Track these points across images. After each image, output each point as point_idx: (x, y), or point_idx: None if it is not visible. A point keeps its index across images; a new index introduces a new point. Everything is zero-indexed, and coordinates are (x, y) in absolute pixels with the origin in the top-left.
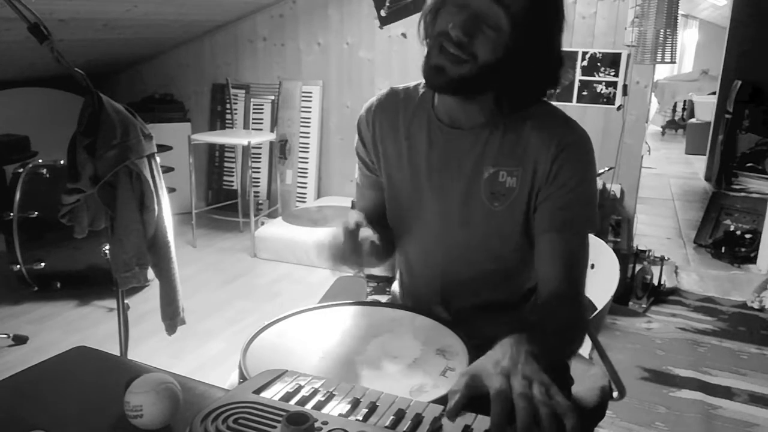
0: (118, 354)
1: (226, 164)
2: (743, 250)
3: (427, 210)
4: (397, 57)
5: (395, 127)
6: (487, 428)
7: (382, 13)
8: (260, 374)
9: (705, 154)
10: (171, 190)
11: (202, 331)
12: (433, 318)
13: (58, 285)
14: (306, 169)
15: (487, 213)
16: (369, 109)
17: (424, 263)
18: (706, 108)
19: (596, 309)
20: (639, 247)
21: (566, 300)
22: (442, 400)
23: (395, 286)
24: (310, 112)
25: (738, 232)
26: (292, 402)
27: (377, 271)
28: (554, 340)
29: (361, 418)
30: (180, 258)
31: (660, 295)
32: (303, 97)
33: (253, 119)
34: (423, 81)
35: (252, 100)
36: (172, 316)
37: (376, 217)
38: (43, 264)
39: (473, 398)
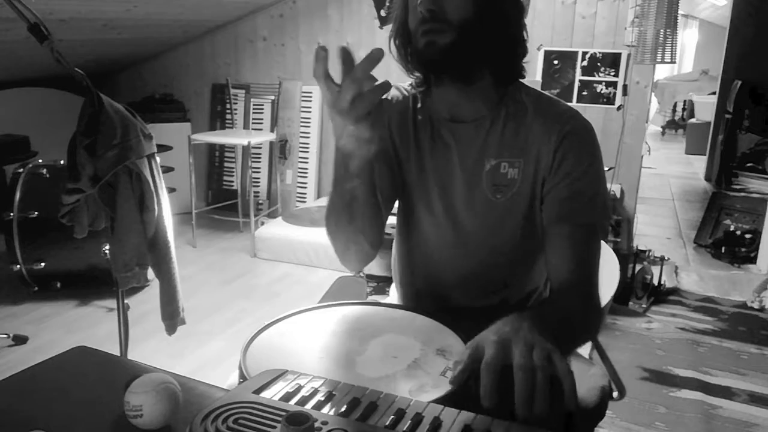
0: (118, 354)
1: (226, 164)
2: (743, 250)
3: (431, 205)
4: None
5: (403, 122)
6: (487, 427)
7: (382, 13)
8: (260, 374)
9: (705, 154)
10: (171, 190)
11: (202, 331)
12: (434, 318)
13: (58, 285)
14: (306, 169)
15: (490, 205)
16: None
17: (427, 260)
18: (706, 108)
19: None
20: (639, 247)
21: (575, 292)
22: (442, 400)
23: (393, 287)
24: (310, 112)
25: (738, 232)
26: (292, 402)
27: (377, 271)
28: (559, 326)
29: (361, 418)
30: (180, 258)
31: (660, 295)
32: (303, 97)
33: (253, 119)
34: (418, 89)
35: (252, 100)
36: (172, 316)
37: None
38: (43, 264)
39: (475, 367)
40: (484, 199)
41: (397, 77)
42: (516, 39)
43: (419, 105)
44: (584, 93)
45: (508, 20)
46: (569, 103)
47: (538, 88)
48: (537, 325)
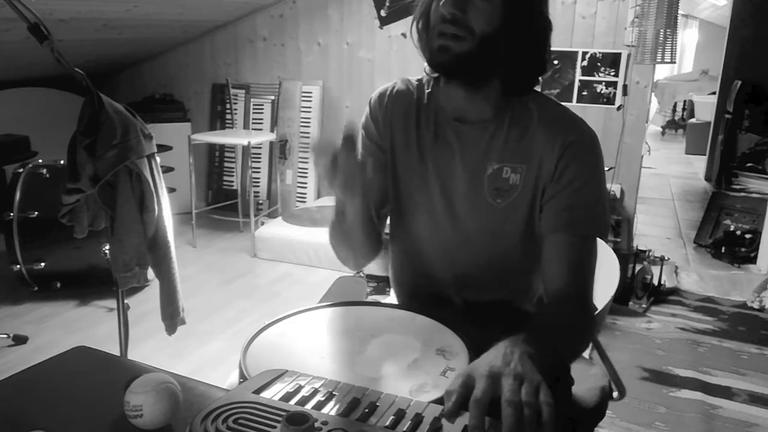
0: (118, 354)
1: (226, 164)
2: (743, 250)
3: (432, 203)
4: (397, 57)
5: (406, 117)
6: (486, 428)
7: (382, 13)
8: (260, 374)
9: (705, 154)
10: (171, 190)
11: (202, 331)
12: (433, 318)
13: (58, 285)
14: (306, 169)
15: (490, 209)
16: (383, 93)
17: (425, 259)
18: (706, 108)
19: (596, 309)
20: (639, 247)
21: (571, 301)
22: (443, 401)
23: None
24: (310, 112)
25: (738, 232)
26: (292, 402)
27: (377, 271)
28: (555, 341)
29: (361, 418)
30: (180, 258)
31: (660, 295)
32: (303, 97)
33: (253, 119)
34: (431, 76)
35: (252, 100)
36: (172, 316)
37: (375, 204)
38: (43, 264)
39: (468, 399)
40: (484, 203)
41: (398, 77)
42: (537, 57)
43: (425, 101)
44: (584, 93)
45: (532, 38)
46: (571, 104)
47: (538, 89)
48: (530, 352)
